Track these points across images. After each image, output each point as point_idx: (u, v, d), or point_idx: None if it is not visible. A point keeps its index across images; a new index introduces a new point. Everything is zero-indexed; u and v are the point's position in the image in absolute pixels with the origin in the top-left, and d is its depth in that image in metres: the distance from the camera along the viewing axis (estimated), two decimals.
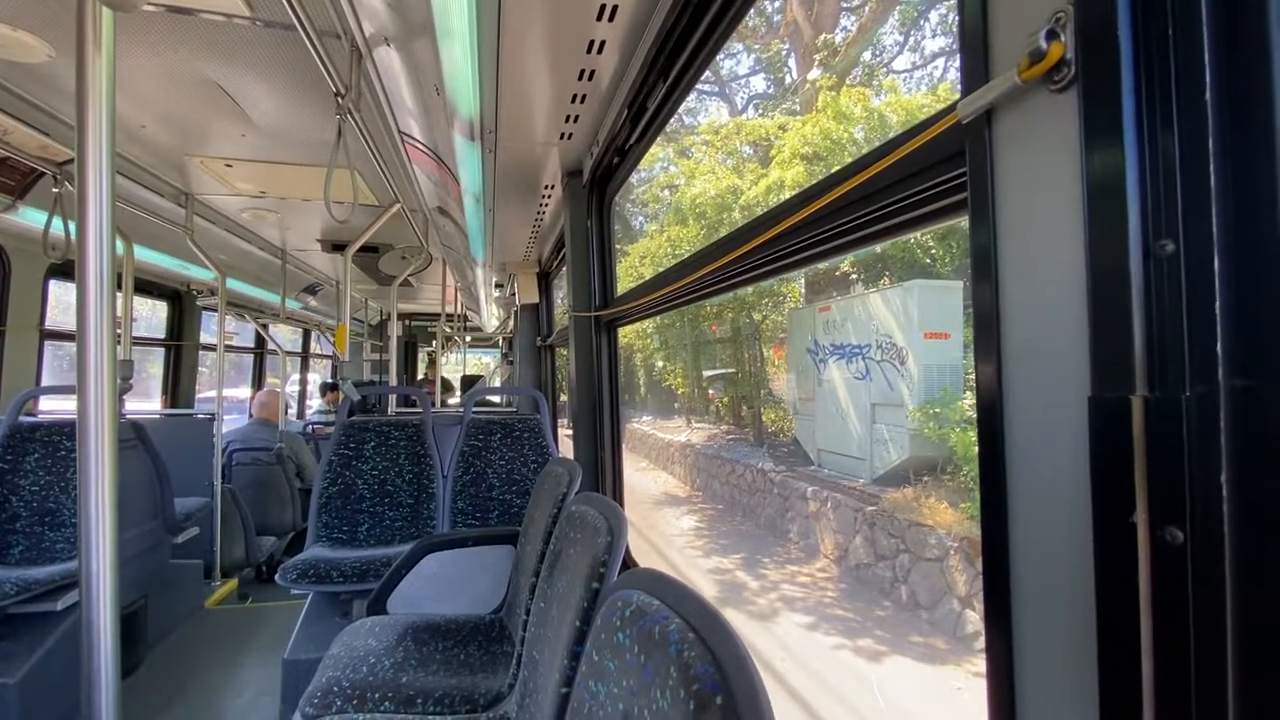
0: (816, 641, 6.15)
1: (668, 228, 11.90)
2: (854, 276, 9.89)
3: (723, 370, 13.23)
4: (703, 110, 15.96)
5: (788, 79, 14.21)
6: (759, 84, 16.16)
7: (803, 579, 7.59)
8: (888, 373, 8.01)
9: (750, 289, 10.78)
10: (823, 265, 9.50)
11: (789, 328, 10.89)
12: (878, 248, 8.67)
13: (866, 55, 12.33)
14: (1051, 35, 0.53)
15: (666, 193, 13.56)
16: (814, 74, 11.34)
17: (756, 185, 9.86)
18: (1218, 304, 0.45)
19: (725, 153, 11.93)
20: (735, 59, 15.59)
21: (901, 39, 14.02)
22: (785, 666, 5.62)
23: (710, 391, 13.68)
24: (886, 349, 8.05)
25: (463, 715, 1.63)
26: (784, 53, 14.16)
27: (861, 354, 8.50)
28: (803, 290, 11.15)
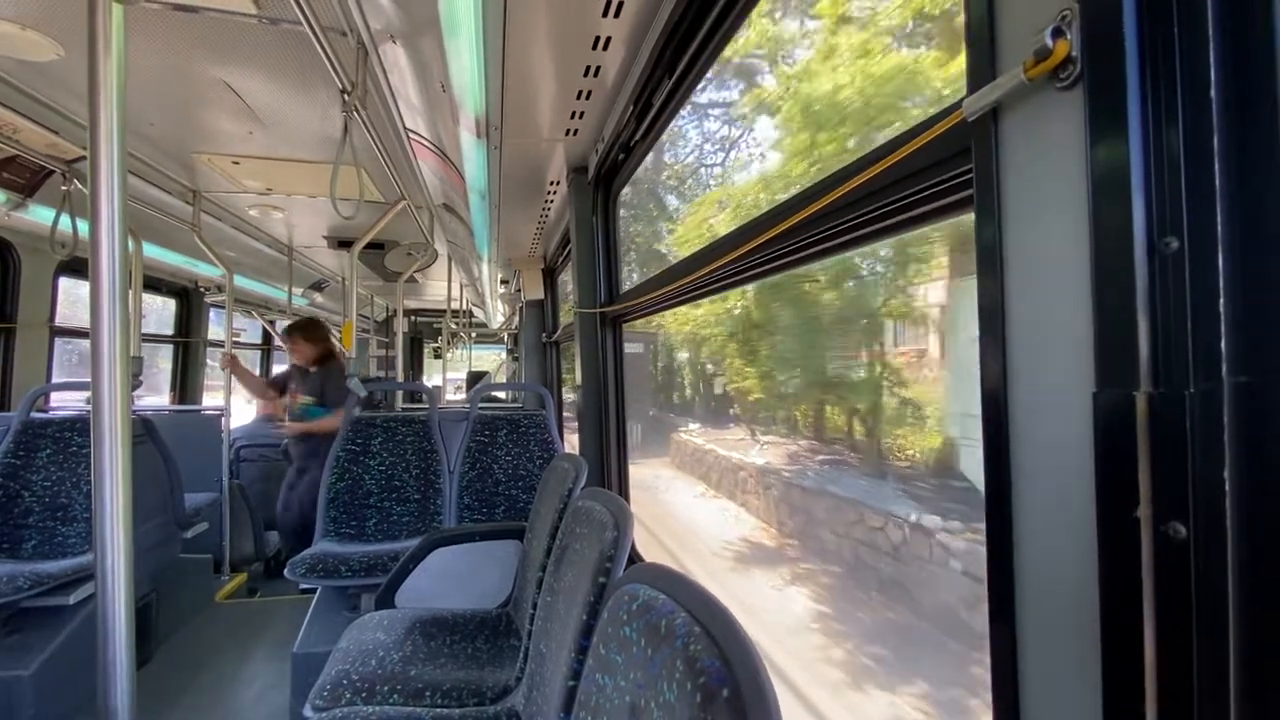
0: None
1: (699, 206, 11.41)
2: None
3: (825, 368, 12.24)
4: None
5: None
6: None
7: None
8: None
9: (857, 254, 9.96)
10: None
11: (946, 309, 9.43)
12: None
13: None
14: (1057, 33, 0.53)
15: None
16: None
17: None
18: (1222, 300, 0.45)
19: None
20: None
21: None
22: None
23: (793, 395, 12.68)
24: None
25: (470, 708, 1.65)
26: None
27: None
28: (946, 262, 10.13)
